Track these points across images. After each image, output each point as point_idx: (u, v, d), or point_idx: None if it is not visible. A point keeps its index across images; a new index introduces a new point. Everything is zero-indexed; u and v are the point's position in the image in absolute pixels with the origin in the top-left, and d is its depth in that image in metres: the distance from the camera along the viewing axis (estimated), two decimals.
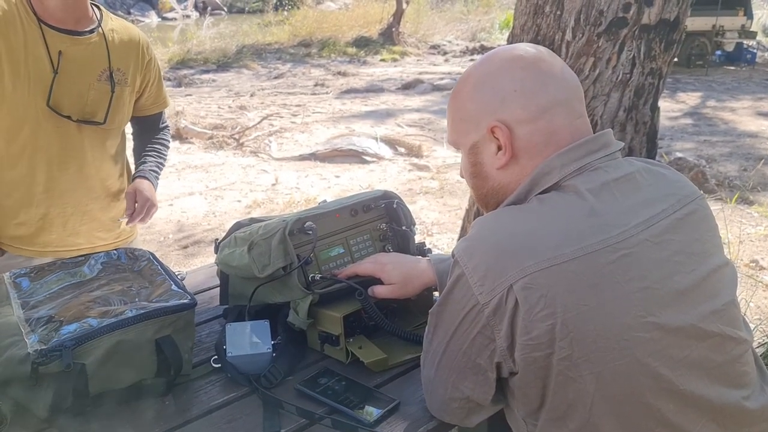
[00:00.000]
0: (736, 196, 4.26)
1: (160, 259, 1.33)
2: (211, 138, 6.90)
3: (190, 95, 9.53)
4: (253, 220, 1.32)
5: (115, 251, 1.33)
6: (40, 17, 1.52)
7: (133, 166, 1.88)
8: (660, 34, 2.12)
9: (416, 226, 1.34)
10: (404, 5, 14.30)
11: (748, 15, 12.09)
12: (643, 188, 0.92)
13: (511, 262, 0.82)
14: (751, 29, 12.38)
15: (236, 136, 6.94)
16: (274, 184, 5.51)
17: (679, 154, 5.51)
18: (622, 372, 0.82)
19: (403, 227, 1.31)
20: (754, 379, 0.93)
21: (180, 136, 6.88)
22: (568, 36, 2.15)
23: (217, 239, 1.32)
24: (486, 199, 0.99)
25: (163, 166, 1.89)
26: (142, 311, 1.05)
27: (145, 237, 4.28)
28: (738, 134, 6.86)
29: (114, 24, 1.68)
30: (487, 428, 1.13)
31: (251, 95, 9.57)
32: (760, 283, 3.23)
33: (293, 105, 8.86)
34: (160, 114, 1.90)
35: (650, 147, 2.31)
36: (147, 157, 1.84)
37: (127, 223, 1.72)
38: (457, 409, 0.95)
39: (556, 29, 2.18)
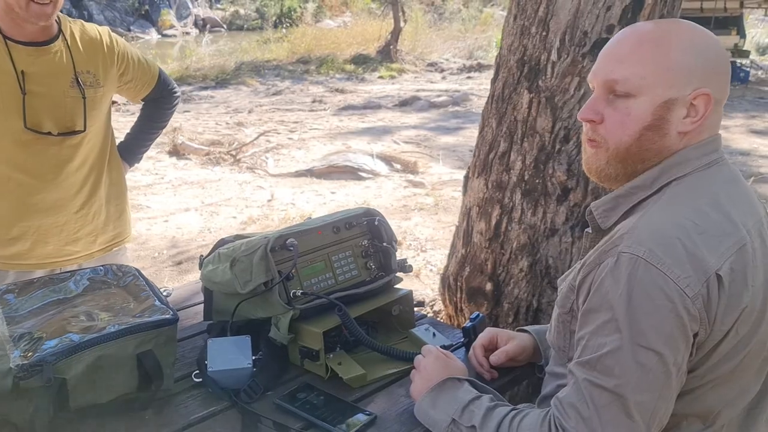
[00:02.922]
0: None
1: (152, 276, 1.35)
2: (208, 154, 6.94)
3: (188, 111, 9.59)
4: (237, 237, 1.34)
5: (101, 267, 1.35)
6: (6, 33, 1.54)
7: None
8: None
9: (397, 243, 1.36)
10: (402, 23, 14.45)
11: (741, 34, 12.24)
12: (748, 187, 0.98)
13: (708, 251, 0.84)
14: (744, 48, 12.53)
15: (233, 153, 6.99)
16: (269, 201, 5.54)
17: None
18: (760, 348, 0.89)
19: (384, 243, 1.33)
20: None
21: (177, 152, 6.92)
22: (554, 56, 2.18)
23: (202, 255, 1.34)
24: (644, 155, 0.93)
25: (155, 137, 2.02)
26: (124, 326, 1.07)
27: (139, 253, 4.30)
28: (730, 152, 6.91)
29: (74, 27, 1.68)
30: None
31: (249, 112, 9.64)
32: None
33: (291, 121, 8.92)
34: (157, 89, 1.88)
35: None
36: (133, 136, 1.96)
37: None
38: None
39: (542, 50, 2.21)
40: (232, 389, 1.10)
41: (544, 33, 2.22)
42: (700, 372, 0.87)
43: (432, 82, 12.71)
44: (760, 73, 13.79)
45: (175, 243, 4.55)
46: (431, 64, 14.39)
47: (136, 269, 1.35)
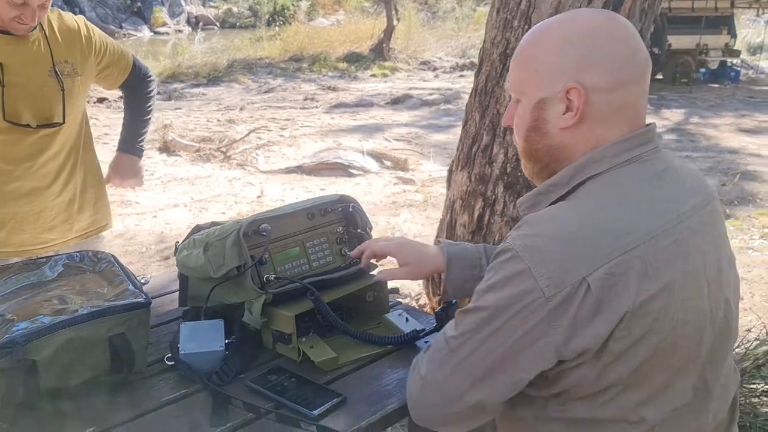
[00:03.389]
0: None
1: (139, 270, 1.36)
2: (198, 151, 6.92)
3: (180, 108, 9.57)
4: (214, 224, 1.35)
5: (77, 253, 1.35)
6: None
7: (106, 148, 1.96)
8: None
9: (371, 229, 1.37)
10: (395, 22, 14.46)
11: (732, 34, 12.30)
12: (682, 182, 0.96)
13: (584, 255, 0.84)
14: (734, 48, 12.58)
15: (223, 149, 6.98)
16: (259, 197, 5.54)
17: None
18: (663, 350, 0.87)
19: (359, 230, 1.34)
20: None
21: (167, 148, 6.91)
22: None
23: (177, 242, 1.35)
24: (536, 155, 0.98)
25: (148, 124, 1.99)
26: (96, 309, 1.08)
27: (126, 248, 4.29)
28: (719, 150, 6.96)
29: (51, 16, 1.68)
30: None
31: (241, 109, 9.63)
32: None
33: (282, 119, 8.92)
34: (133, 75, 1.89)
35: None
36: (127, 128, 1.95)
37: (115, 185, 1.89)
38: (453, 414, 0.94)
39: None
40: (204, 372, 1.11)
41: (526, 26, 2.24)
42: (597, 371, 0.86)
43: (424, 81, 12.72)
44: (750, 72, 13.88)
45: (163, 238, 4.54)
46: (424, 63, 14.40)
47: (112, 255, 1.36)
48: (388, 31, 14.33)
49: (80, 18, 1.76)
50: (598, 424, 0.90)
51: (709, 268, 0.92)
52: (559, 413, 0.92)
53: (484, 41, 2.47)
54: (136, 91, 1.94)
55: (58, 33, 1.66)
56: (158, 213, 5.09)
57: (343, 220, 1.36)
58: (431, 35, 16.32)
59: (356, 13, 18.66)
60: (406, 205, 5.32)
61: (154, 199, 5.40)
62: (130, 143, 1.95)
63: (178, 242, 1.35)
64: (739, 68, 13.06)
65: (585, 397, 0.90)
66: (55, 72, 1.63)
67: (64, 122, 1.66)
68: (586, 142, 0.93)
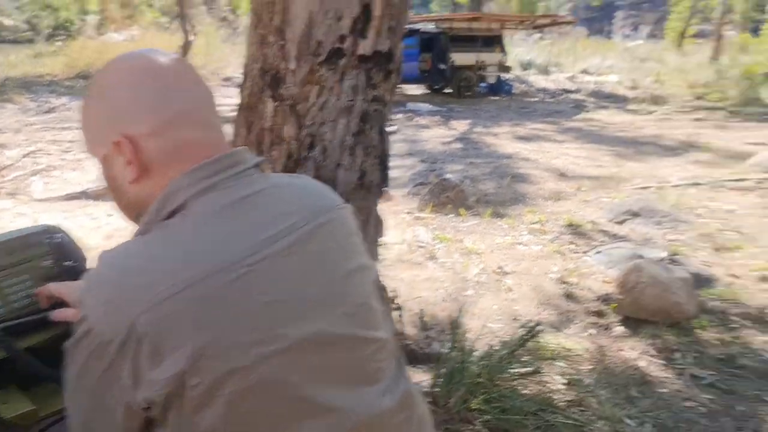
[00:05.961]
0: (489, 211, 4.74)
1: None
2: None
3: None
4: None
5: None
6: None
7: None
8: (378, 65, 2.26)
9: (86, 261, 1.25)
10: (192, 37, 13.98)
11: (504, 51, 13.87)
12: (276, 204, 0.91)
13: (131, 298, 0.78)
14: (507, 64, 14.20)
15: None
16: None
17: (448, 176, 6.01)
18: (252, 389, 0.80)
19: (72, 263, 1.22)
20: (390, 373, 0.97)
21: None
22: (292, 65, 2.20)
23: None
24: (127, 211, 0.95)
25: None
26: None
27: None
28: (498, 156, 7.70)
29: None
30: None
31: (16, 132, 8.59)
32: (503, 288, 3.61)
33: (65, 141, 8.11)
34: None
35: (382, 168, 2.46)
36: None
37: None
38: None
39: (281, 59, 2.22)
40: None
41: (281, 42, 2.23)
42: (186, 422, 0.81)
43: (227, 97, 12.38)
44: (523, 86, 15.66)
45: None
46: (226, 79, 14.11)
47: None
48: (185, 47, 13.81)
49: None
50: None
51: (310, 289, 0.87)
52: None
53: (246, 57, 2.43)
54: None
55: None
56: None
57: (52, 254, 1.22)
58: (232, 51, 16.02)
59: (152, 28, 17.71)
60: None
61: None
62: None
63: None
64: (512, 83, 14.69)
65: None
66: None
67: None
68: (162, 189, 0.88)
